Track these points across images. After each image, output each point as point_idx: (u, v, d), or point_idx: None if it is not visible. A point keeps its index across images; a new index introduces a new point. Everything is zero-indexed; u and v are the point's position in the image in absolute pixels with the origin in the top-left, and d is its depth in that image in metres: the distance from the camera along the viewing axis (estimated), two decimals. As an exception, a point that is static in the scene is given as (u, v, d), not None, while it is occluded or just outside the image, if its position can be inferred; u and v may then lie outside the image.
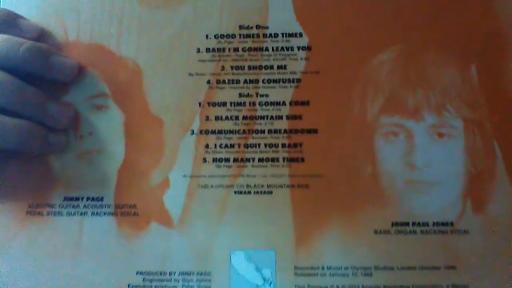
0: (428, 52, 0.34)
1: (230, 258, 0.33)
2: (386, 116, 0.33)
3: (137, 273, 0.33)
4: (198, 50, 0.35)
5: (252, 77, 0.35)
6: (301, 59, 0.35)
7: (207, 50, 0.35)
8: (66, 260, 0.33)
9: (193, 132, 0.34)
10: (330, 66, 0.34)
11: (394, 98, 0.34)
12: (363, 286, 0.32)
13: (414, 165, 0.33)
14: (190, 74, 0.35)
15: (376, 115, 0.34)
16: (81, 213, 0.34)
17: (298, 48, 0.35)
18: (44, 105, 0.33)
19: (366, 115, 0.34)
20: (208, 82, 0.35)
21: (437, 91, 0.33)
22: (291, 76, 0.35)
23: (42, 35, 0.36)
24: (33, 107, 0.33)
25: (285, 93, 0.34)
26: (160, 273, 0.33)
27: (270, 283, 0.33)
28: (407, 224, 0.33)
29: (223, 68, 0.35)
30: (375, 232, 0.33)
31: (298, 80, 0.34)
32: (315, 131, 0.34)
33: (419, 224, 0.32)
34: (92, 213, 0.34)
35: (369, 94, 0.34)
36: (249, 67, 0.35)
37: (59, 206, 0.34)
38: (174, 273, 0.33)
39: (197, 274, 0.33)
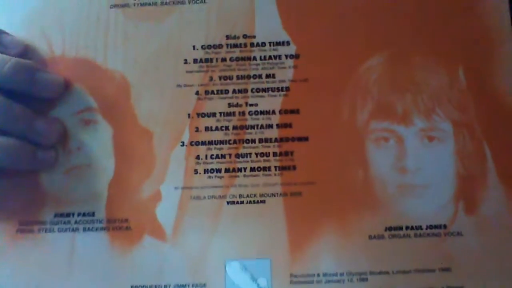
0: (416, 57, 0.34)
1: (225, 269, 0.32)
2: (376, 121, 0.33)
3: (131, 287, 0.33)
4: (186, 61, 0.35)
5: (241, 86, 0.35)
6: (289, 67, 0.34)
7: (195, 61, 0.35)
8: (58, 277, 0.33)
9: (183, 144, 0.34)
10: (318, 73, 0.34)
11: (383, 103, 0.34)
12: (359, 291, 0.33)
13: (405, 169, 0.33)
14: (178, 86, 0.35)
15: (366, 121, 0.34)
16: (73, 229, 0.34)
17: (286, 56, 0.35)
18: (32, 122, 0.33)
19: (356, 121, 0.34)
20: (197, 93, 0.35)
21: (426, 95, 0.33)
22: (280, 85, 0.34)
23: (26, 51, 0.35)
24: (21, 125, 0.33)
25: (274, 102, 0.34)
26: (155, 287, 0.33)
27: (266, 293, 0.33)
28: (400, 228, 0.33)
29: (211, 78, 0.35)
30: (369, 237, 0.32)
31: (287, 89, 0.34)
32: (305, 139, 0.34)
33: (412, 227, 0.32)
34: (84, 229, 0.33)
35: (358, 100, 0.34)
36: (238, 77, 0.35)
37: (50, 222, 0.34)
38: (169, 286, 0.33)
39: (192, 286, 0.33)
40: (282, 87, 0.34)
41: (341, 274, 0.32)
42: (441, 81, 0.34)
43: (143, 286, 0.33)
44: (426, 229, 0.32)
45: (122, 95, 0.35)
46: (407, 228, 0.33)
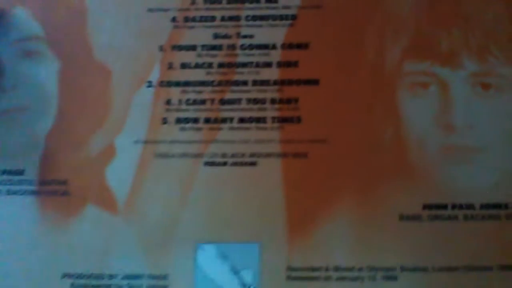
0: (465, -17, 0.29)
1: (196, 255, 0.28)
2: (412, 62, 0.29)
3: (63, 276, 0.28)
4: (162, -20, 0.31)
5: (232, 13, 0.31)
6: (298, -11, 0.31)
7: (173, -21, 0.31)
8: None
9: (150, 84, 0.30)
10: None
11: (422, 38, 0.29)
12: (385, 294, 0.26)
13: (451, 126, 0.28)
14: (150, 10, 0.31)
15: (398, 60, 0.29)
16: (-8, 191, 0.29)
17: (293, -24, 0.31)
18: None
19: (384, 60, 0.29)
20: (173, 19, 0.31)
21: (478, 30, 0.29)
22: (284, 12, 0.31)
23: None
24: None
25: (275, 33, 0.30)
26: (97, 277, 0.28)
27: (252, 290, 0.26)
28: (444, 206, 0.28)
29: (193, 1, 0.31)
30: (401, 217, 0.28)
31: (294, 17, 0.30)
32: (315, 82, 0.29)
33: (461, 207, 0.28)
34: (8, 192, 0.29)
35: (388, 34, 0.30)
36: (228, 0, 0.31)
37: (-37, 181, 0.29)
38: (117, 276, 0.28)
39: (148, 277, 0.27)
40: (286, 15, 0.31)
41: (360, 269, 0.27)
42: (499, 13, 0.29)
43: (80, 275, 0.27)
44: (480, 209, 0.28)
45: (76, 22, 0.31)
46: (453, 207, 0.28)
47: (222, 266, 0.27)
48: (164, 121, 0.29)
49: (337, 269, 0.27)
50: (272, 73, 0.30)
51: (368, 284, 0.27)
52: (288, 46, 0.30)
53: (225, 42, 0.30)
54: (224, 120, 0.29)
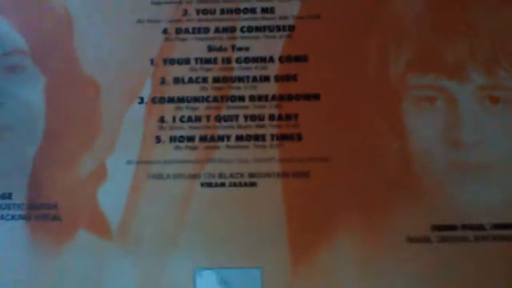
0: (472, -11, 0.28)
1: (195, 281, 0.27)
2: (417, 75, 0.28)
3: None
4: (152, -11, 0.30)
5: (227, 24, 0.30)
6: (295, -2, 0.30)
7: (164, -12, 0.30)
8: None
9: (142, 101, 0.29)
10: (334, 7, 0.29)
11: (427, 50, 0.28)
12: (393, 322, 0.25)
13: (460, 142, 0.27)
14: (140, 21, 0.30)
15: (403, 73, 0.28)
16: (-21, 216, 0.28)
17: (290, -15, 0.30)
18: None
19: (388, 73, 0.28)
20: (165, 31, 0.30)
21: (486, 40, 0.28)
22: (281, 22, 0.29)
23: None
24: None
25: (272, 45, 0.29)
26: None
27: (254, 318, 0.25)
28: (453, 227, 0.26)
29: (185, 12, 0.30)
30: (408, 239, 0.26)
31: (291, 28, 0.29)
32: (316, 96, 0.28)
33: (471, 227, 0.27)
34: None
35: (392, 45, 0.28)
36: (222, 11, 0.30)
37: None
38: None
39: None
40: (284, 26, 0.29)
41: (367, 295, 0.25)
42: (508, 22, 0.28)
43: (73, 305, 0.26)
44: (491, 229, 0.27)
45: (62, 34, 0.30)
46: (463, 227, 0.26)
47: (222, 292, 0.25)
48: (158, 139, 0.28)
49: (342, 294, 0.25)
50: (270, 88, 0.29)
51: (375, 310, 0.25)
52: (286, 58, 0.29)
53: (219, 55, 0.29)
54: (220, 138, 0.28)
